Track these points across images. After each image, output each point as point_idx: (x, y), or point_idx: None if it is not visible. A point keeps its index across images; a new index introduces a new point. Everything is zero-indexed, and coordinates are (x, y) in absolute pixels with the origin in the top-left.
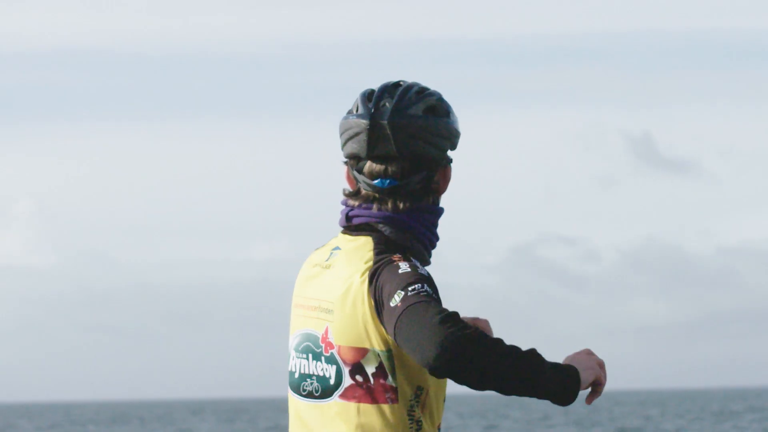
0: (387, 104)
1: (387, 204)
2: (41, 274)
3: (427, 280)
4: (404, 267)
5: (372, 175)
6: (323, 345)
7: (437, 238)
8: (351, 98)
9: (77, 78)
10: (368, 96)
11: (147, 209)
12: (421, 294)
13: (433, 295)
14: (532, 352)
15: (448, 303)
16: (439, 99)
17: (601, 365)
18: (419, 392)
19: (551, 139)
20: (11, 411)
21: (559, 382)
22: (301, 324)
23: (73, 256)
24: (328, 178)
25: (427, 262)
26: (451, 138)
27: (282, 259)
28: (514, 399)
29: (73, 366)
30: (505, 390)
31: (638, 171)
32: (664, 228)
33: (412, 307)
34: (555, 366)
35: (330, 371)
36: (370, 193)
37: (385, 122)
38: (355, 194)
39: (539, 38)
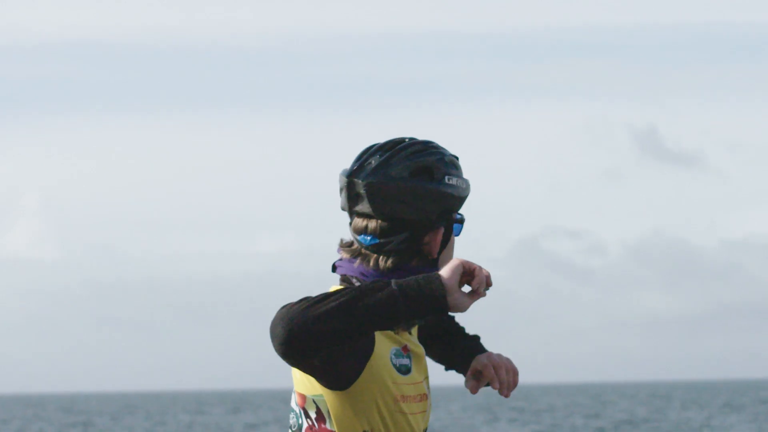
0: (373, 162)
1: (370, 260)
2: (48, 267)
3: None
4: None
5: (356, 231)
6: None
7: None
8: (356, 92)
9: (84, 71)
10: (364, 151)
11: (154, 202)
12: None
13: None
14: (372, 287)
15: None
16: (439, 160)
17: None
18: None
19: (557, 133)
20: (18, 403)
21: (414, 297)
22: None
23: (79, 249)
24: (334, 171)
25: (406, 325)
26: (441, 202)
27: (289, 251)
28: (517, 391)
29: (79, 358)
30: (361, 334)
31: (644, 164)
32: (669, 221)
33: None
34: (402, 286)
35: (297, 410)
36: (357, 247)
37: (360, 181)
38: (349, 245)
39: (545, 32)
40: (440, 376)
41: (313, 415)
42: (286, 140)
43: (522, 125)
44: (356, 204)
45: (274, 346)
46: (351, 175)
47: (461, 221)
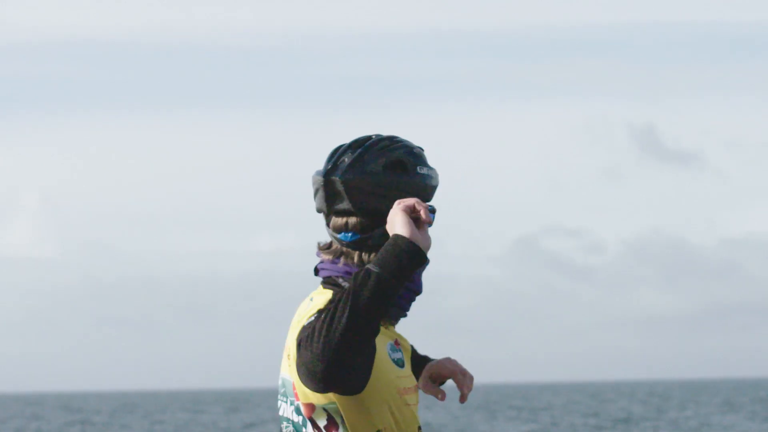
0: (346, 159)
1: (353, 257)
2: (46, 265)
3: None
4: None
5: (336, 229)
6: (294, 393)
7: (414, 292)
8: (356, 91)
9: (84, 70)
10: (334, 151)
11: (152, 200)
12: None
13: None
14: (359, 282)
15: (453, 295)
16: (408, 153)
17: (404, 207)
18: None
19: (556, 131)
20: (16, 401)
21: (396, 267)
22: (282, 367)
23: (78, 247)
24: None
25: (392, 318)
26: (416, 192)
27: (288, 250)
28: (516, 390)
29: (78, 357)
30: (377, 329)
31: (643, 163)
32: (668, 220)
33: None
34: (380, 263)
35: (299, 420)
36: (338, 246)
37: (337, 179)
38: (328, 247)
39: (544, 30)
40: None
41: (322, 424)
42: (285, 139)
43: (521, 124)
44: (335, 203)
45: (319, 387)
46: (327, 175)
47: (433, 211)
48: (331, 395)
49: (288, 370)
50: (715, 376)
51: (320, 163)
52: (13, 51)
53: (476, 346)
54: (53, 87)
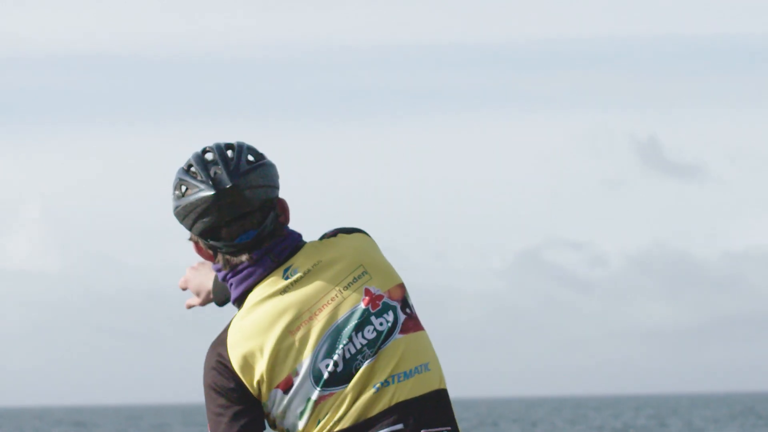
0: (218, 171)
1: (257, 251)
2: (48, 278)
3: None
4: None
5: (232, 237)
6: (368, 306)
7: None
8: (362, 102)
9: (84, 81)
10: (192, 172)
11: (155, 212)
12: None
13: None
14: None
15: (456, 308)
16: (249, 147)
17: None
18: None
19: (558, 143)
20: (19, 415)
21: None
22: (322, 328)
23: (80, 259)
24: (338, 181)
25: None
26: (277, 173)
27: None
28: (519, 403)
29: (80, 370)
30: None
31: (645, 175)
32: (671, 232)
33: None
34: None
35: (387, 320)
36: (236, 253)
37: (229, 186)
38: (230, 260)
39: (546, 42)
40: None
41: (410, 301)
42: (288, 150)
43: (523, 135)
44: (230, 210)
45: None
46: (216, 187)
47: None
48: None
49: (346, 307)
50: (718, 389)
51: (321, 176)
52: (15, 63)
53: (479, 360)
54: (55, 98)
